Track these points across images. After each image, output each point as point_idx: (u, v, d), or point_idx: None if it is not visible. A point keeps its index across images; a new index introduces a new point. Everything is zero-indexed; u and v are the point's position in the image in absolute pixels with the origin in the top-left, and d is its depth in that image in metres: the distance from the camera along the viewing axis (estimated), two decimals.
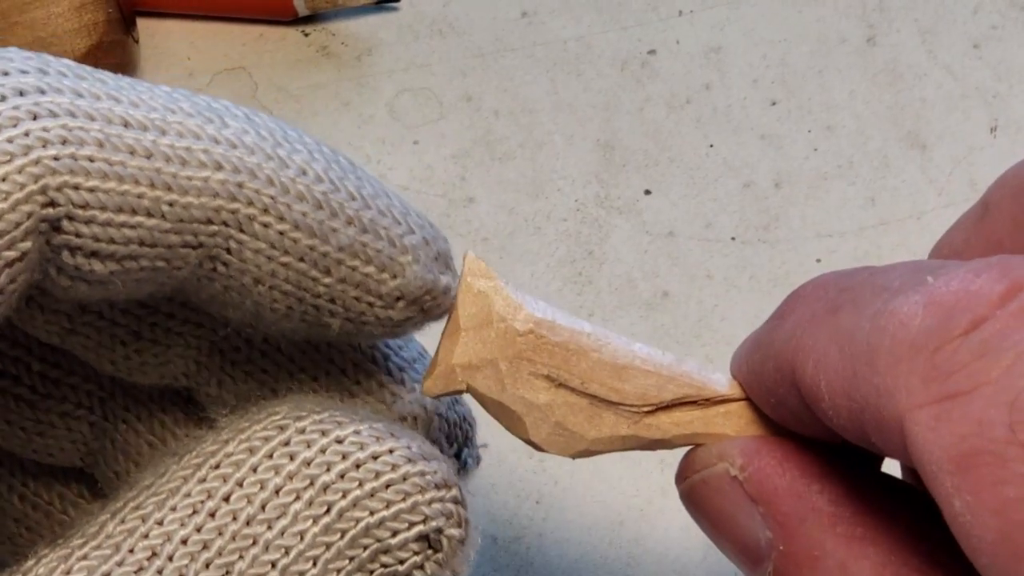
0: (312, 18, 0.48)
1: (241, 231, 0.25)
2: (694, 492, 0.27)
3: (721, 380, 0.27)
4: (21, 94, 0.23)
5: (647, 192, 0.46)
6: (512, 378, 0.27)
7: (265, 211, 0.25)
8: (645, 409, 0.27)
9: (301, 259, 0.25)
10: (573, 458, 0.27)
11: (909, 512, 0.25)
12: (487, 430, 0.41)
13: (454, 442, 0.29)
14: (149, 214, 0.24)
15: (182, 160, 0.24)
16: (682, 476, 0.28)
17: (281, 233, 0.25)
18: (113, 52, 0.44)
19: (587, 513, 0.41)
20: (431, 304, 0.27)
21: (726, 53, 0.48)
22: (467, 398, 0.29)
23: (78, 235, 0.23)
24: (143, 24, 0.48)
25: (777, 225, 0.45)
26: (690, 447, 0.27)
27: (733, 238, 0.45)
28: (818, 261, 0.44)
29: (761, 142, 0.46)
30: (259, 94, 0.47)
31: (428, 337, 0.28)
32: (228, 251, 0.25)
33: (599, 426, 0.27)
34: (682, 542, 0.40)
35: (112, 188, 0.23)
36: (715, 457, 0.27)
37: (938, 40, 0.48)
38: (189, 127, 0.24)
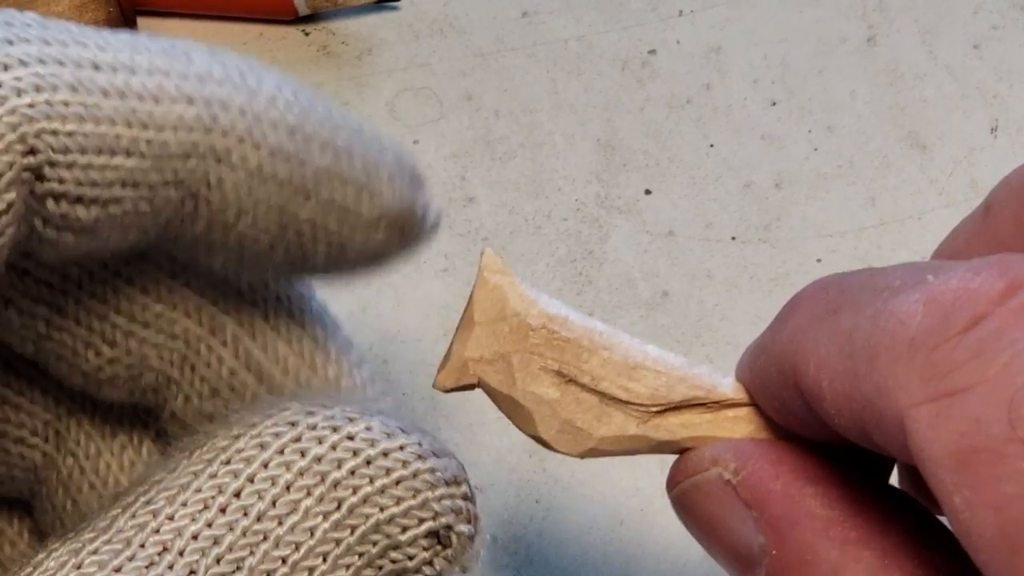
0: (312, 17, 0.48)
1: (219, 162, 0.25)
2: (686, 497, 0.27)
3: (731, 385, 0.27)
4: None
5: (647, 192, 0.46)
6: (523, 373, 0.27)
7: (241, 140, 0.25)
8: (654, 409, 0.27)
9: (280, 185, 0.25)
10: (581, 457, 0.27)
11: (904, 517, 0.25)
12: (486, 429, 0.42)
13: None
14: (128, 153, 0.24)
15: (155, 97, 0.24)
16: (674, 482, 0.27)
17: (259, 161, 0.25)
18: None
19: (587, 513, 0.41)
20: (410, 225, 0.27)
21: (726, 53, 0.48)
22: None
23: (61, 181, 0.23)
24: (144, 23, 0.48)
25: (778, 225, 0.45)
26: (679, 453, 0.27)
27: (733, 238, 0.45)
28: (819, 261, 0.44)
29: (761, 142, 0.46)
30: None
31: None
32: (208, 185, 0.25)
33: (608, 424, 0.27)
34: (682, 542, 0.40)
35: (90, 130, 0.23)
36: (708, 461, 0.27)
37: (938, 40, 0.48)
38: (157, 65, 0.24)
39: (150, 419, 0.30)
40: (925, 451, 0.21)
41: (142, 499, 0.24)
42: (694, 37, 0.48)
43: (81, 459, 0.29)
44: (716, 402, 0.27)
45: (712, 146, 0.46)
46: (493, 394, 0.27)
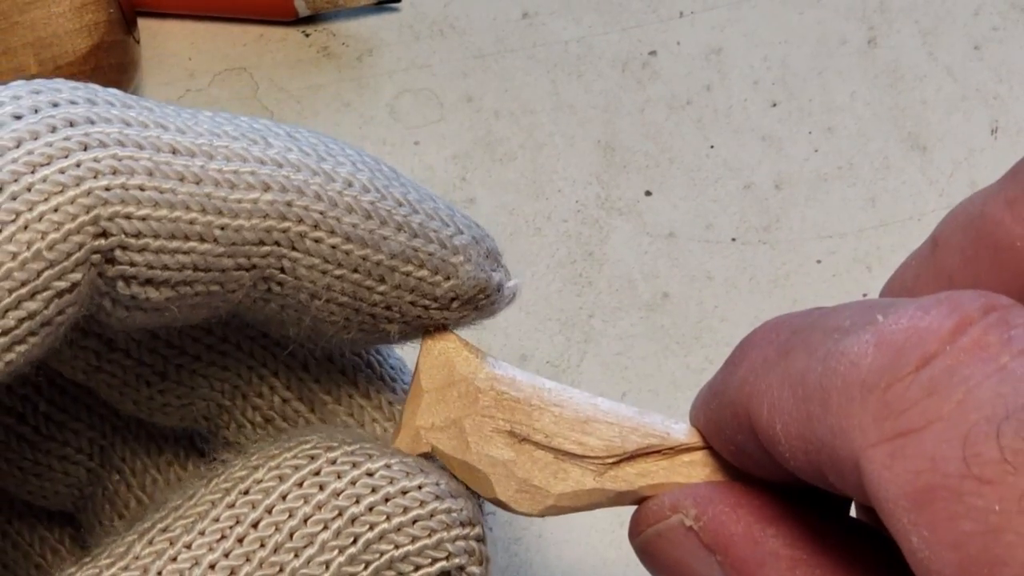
0: (313, 18, 0.48)
1: (293, 249, 0.25)
2: (650, 546, 0.27)
3: (684, 430, 0.27)
4: (71, 124, 0.23)
5: (647, 193, 0.46)
6: (476, 436, 0.27)
7: (316, 227, 0.25)
8: (610, 461, 0.27)
9: (355, 270, 0.25)
10: (542, 516, 0.27)
11: (867, 551, 0.25)
12: None
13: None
14: (201, 239, 0.24)
15: (231, 183, 0.24)
16: (636, 531, 0.27)
17: (333, 247, 0.25)
18: (114, 52, 0.44)
19: (587, 514, 0.41)
20: (485, 302, 0.27)
21: (727, 54, 0.48)
22: None
23: (132, 264, 0.23)
24: (144, 24, 0.48)
25: (778, 226, 0.45)
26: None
27: (733, 239, 0.45)
28: (818, 262, 0.44)
29: (762, 143, 0.46)
30: (260, 94, 0.47)
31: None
32: (282, 270, 0.25)
33: (565, 480, 0.27)
34: None
35: (164, 216, 0.23)
36: (668, 509, 0.26)
37: (939, 41, 0.48)
38: (235, 150, 0.24)
39: (196, 436, 0.30)
40: (881, 492, 0.21)
41: (159, 526, 0.24)
42: (694, 38, 0.48)
43: (127, 475, 0.30)
44: (671, 448, 0.27)
45: (712, 147, 0.46)
46: (447, 460, 0.27)
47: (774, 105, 0.47)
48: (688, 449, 0.27)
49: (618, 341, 0.43)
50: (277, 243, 0.25)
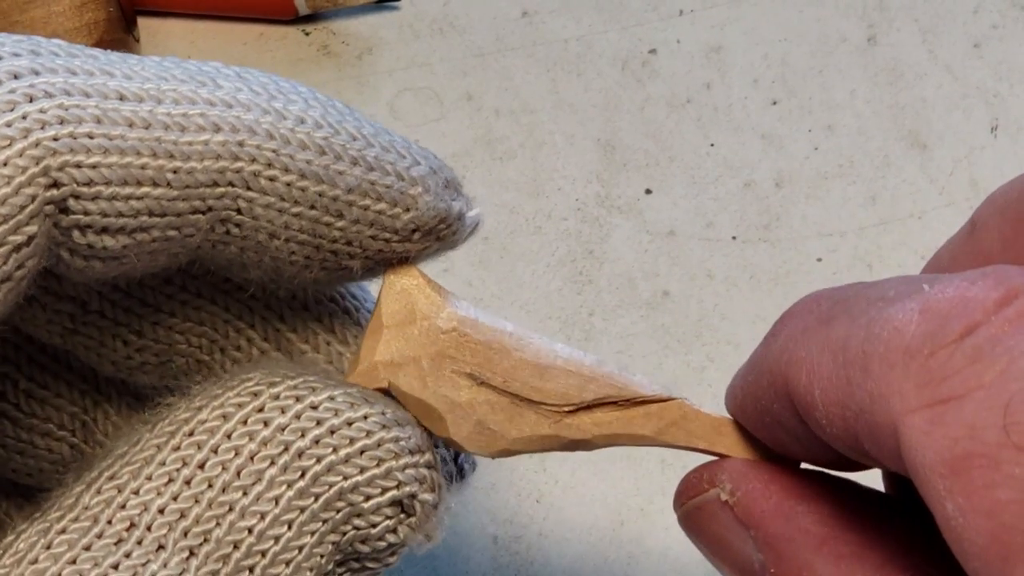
0: (313, 17, 0.48)
1: (248, 189, 0.25)
2: (690, 518, 0.27)
3: (643, 382, 0.27)
4: (16, 77, 0.23)
5: (648, 191, 0.46)
6: (434, 376, 0.27)
7: (269, 165, 0.25)
8: (566, 409, 0.27)
9: (312, 207, 0.25)
10: (493, 457, 0.27)
11: (897, 527, 0.25)
12: None
13: (450, 447, 0.30)
14: (154, 183, 0.24)
15: (180, 127, 0.24)
16: (678, 502, 0.28)
17: (288, 184, 0.25)
18: (114, 51, 0.44)
19: (587, 513, 0.41)
20: (447, 231, 0.27)
21: (727, 52, 0.48)
22: None
23: (86, 213, 0.23)
24: (144, 23, 0.48)
25: (778, 224, 0.45)
26: (688, 472, 0.28)
27: (734, 237, 0.45)
28: (819, 260, 0.44)
29: (762, 141, 0.46)
30: None
31: None
32: (238, 211, 0.25)
33: (520, 425, 0.27)
34: (682, 542, 0.40)
35: (114, 162, 0.23)
36: (707, 483, 0.27)
37: (939, 40, 0.48)
38: (183, 93, 0.24)
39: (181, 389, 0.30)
40: (918, 458, 0.21)
41: (106, 474, 0.24)
42: (694, 37, 0.48)
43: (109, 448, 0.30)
44: (627, 400, 0.27)
45: (712, 145, 0.46)
46: (404, 397, 0.27)
47: (774, 103, 0.47)
48: (644, 402, 0.27)
49: (618, 339, 0.43)
50: (231, 184, 0.24)
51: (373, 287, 0.30)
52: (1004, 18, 0.48)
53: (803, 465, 0.27)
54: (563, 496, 0.41)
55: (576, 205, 0.45)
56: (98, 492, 0.24)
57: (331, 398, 0.25)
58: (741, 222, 0.45)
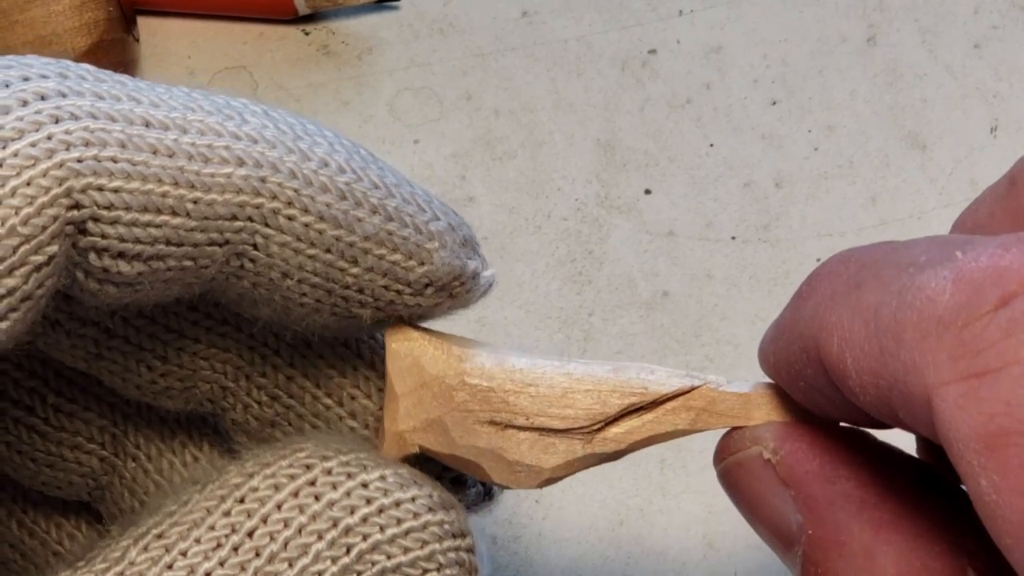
0: (312, 17, 0.48)
1: (266, 225, 0.25)
2: (730, 474, 0.27)
3: (663, 378, 0.27)
4: (43, 98, 0.23)
5: (647, 192, 0.46)
6: (460, 430, 0.27)
7: (289, 204, 0.25)
8: (595, 427, 0.27)
9: (328, 250, 0.25)
10: (540, 487, 0.27)
11: (934, 496, 0.25)
12: None
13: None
14: (174, 212, 0.24)
15: (204, 157, 0.24)
16: (719, 458, 0.28)
17: (306, 225, 0.25)
18: (114, 51, 0.44)
19: (587, 513, 0.41)
20: (460, 290, 0.27)
21: (726, 53, 0.48)
22: None
23: (104, 236, 0.23)
24: (144, 22, 0.48)
25: (777, 225, 0.45)
26: (728, 429, 0.27)
27: (733, 238, 0.45)
28: (818, 260, 0.44)
29: (761, 142, 0.46)
30: (260, 93, 0.47)
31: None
32: (254, 246, 0.25)
33: (555, 454, 0.27)
34: (682, 542, 0.40)
35: (136, 188, 0.23)
36: (749, 440, 0.27)
37: (938, 40, 0.48)
38: (209, 124, 0.24)
39: (209, 416, 0.30)
40: (952, 432, 0.21)
41: (154, 531, 0.24)
42: (694, 37, 0.48)
43: (143, 461, 0.30)
44: (652, 401, 0.27)
45: (712, 146, 0.46)
46: (438, 456, 0.27)
47: (774, 103, 0.47)
48: (669, 398, 0.27)
49: (618, 339, 0.43)
50: (250, 219, 0.24)
51: None
52: (1004, 18, 0.48)
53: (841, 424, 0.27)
54: (562, 496, 0.41)
55: (576, 205, 0.45)
56: (145, 549, 0.24)
57: (382, 477, 0.25)
58: (741, 222, 0.45)
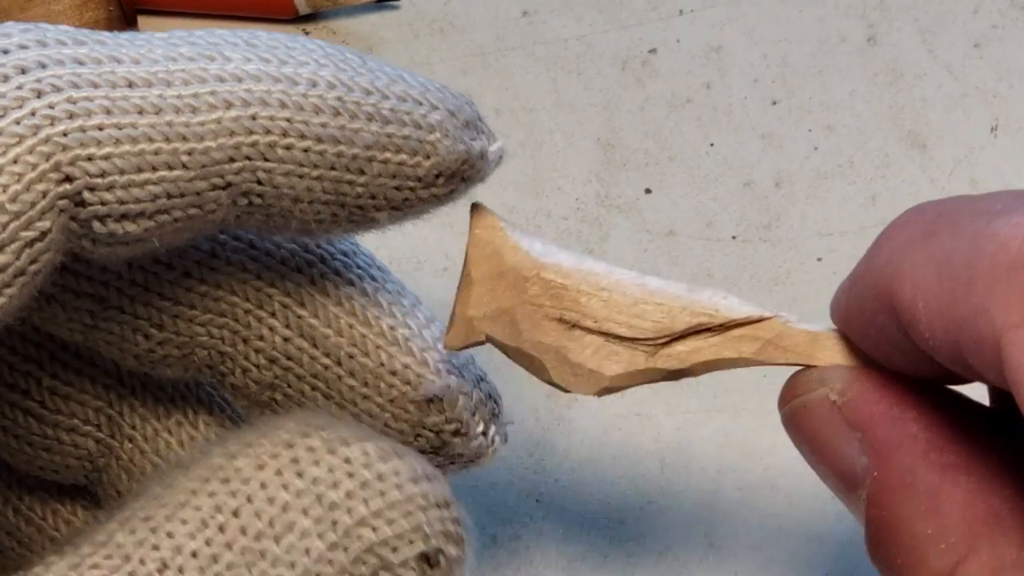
0: (313, 16, 0.48)
1: (266, 160, 0.25)
2: (795, 416, 0.27)
3: (735, 304, 0.27)
4: (23, 72, 0.23)
5: (647, 191, 0.46)
6: (528, 324, 0.27)
7: (284, 134, 0.25)
8: (660, 341, 0.27)
9: (332, 168, 0.25)
10: (599, 395, 0.28)
11: (1001, 443, 0.25)
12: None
13: (481, 420, 0.30)
14: (169, 167, 0.24)
15: (191, 108, 0.24)
16: (784, 400, 0.28)
17: (305, 150, 0.25)
18: None
19: (587, 512, 0.41)
20: (470, 172, 0.27)
21: (727, 52, 0.48)
22: (491, 371, 0.30)
23: (103, 203, 0.24)
24: (144, 22, 0.48)
25: (778, 224, 0.45)
26: (797, 368, 0.27)
27: (734, 237, 0.45)
28: (819, 260, 0.44)
29: (762, 141, 0.46)
30: None
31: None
32: (258, 182, 0.25)
33: (618, 362, 0.27)
34: (682, 542, 0.40)
35: (126, 151, 0.23)
36: (816, 383, 0.27)
37: (939, 40, 0.48)
38: (192, 72, 0.24)
39: (203, 393, 0.30)
40: (1020, 373, 0.21)
41: (140, 514, 0.24)
42: (694, 36, 0.48)
43: (139, 441, 0.30)
44: (720, 325, 0.27)
45: (712, 145, 0.46)
46: (503, 347, 0.27)
47: (774, 103, 0.47)
48: (738, 324, 0.27)
49: None
50: (248, 157, 0.25)
51: (396, 269, 0.30)
52: (1004, 18, 0.48)
53: None
54: (562, 496, 0.41)
55: (576, 205, 0.45)
56: (131, 531, 0.24)
57: (364, 452, 0.25)
58: (741, 222, 0.45)
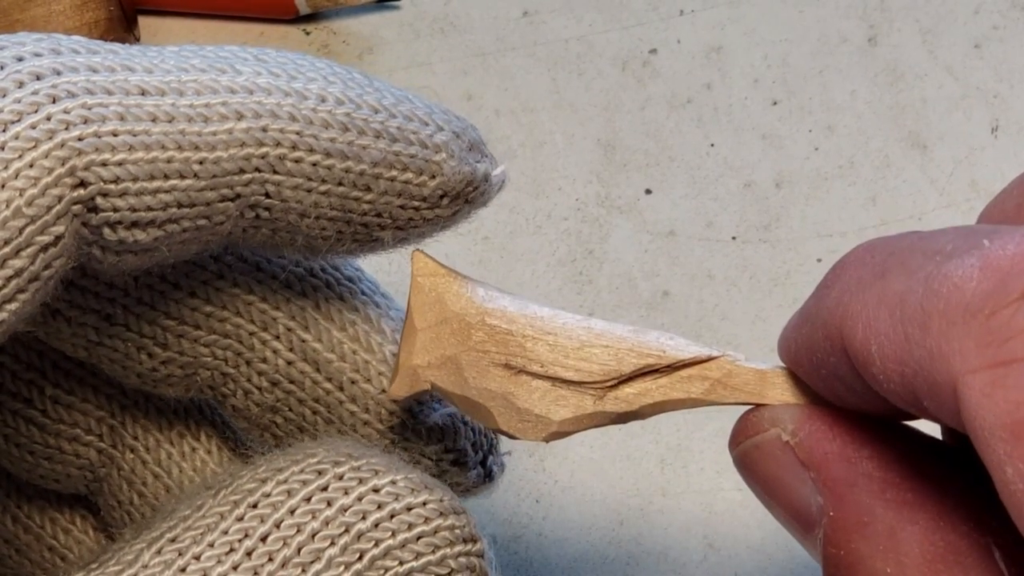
0: (313, 16, 0.48)
1: (275, 172, 0.25)
2: (747, 457, 0.27)
3: (683, 344, 0.27)
4: (38, 78, 0.23)
5: (648, 191, 0.46)
6: (473, 371, 0.27)
7: (294, 147, 0.25)
8: (608, 384, 0.27)
9: (339, 183, 0.26)
10: (546, 441, 0.27)
11: (957, 478, 0.25)
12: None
13: (479, 450, 0.30)
14: (181, 176, 0.24)
15: (203, 117, 0.24)
16: (735, 441, 0.27)
17: (314, 164, 0.25)
18: None
19: (587, 513, 0.41)
20: (474, 193, 0.27)
21: (727, 53, 0.48)
22: None
23: (115, 209, 0.24)
24: (144, 22, 0.48)
25: (778, 225, 0.45)
26: (748, 407, 0.27)
27: (734, 238, 0.45)
28: (819, 261, 0.44)
29: (762, 142, 0.46)
30: None
31: None
32: (267, 195, 0.25)
33: (565, 406, 0.27)
34: (682, 542, 0.40)
35: (140, 158, 0.24)
36: (767, 422, 0.26)
37: (939, 40, 0.48)
38: (204, 83, 0.25)
39: (205, 406, 0.30)
40: (978, 420, 0.20)
41: (167, 535, 0.24)
42: (695, 37, 0.48)
43: (141, 452, 0.30)
44: (668, 365, 0.27)
45: (712, 146, 0.46)
46: (448, 396, 0.27)
47: (774, 103, 0.47)
48: (685, 365, 0.27)
49: None
50: (257, 169, 0.25)
51: (399, 297, 0.30)
52: (1004, 18, 0.48)
53: None
54: (562, 496, 0.41)
55: (576, 205, 0.45)
56: (159, 552, 0.24)
57: (393, 482, 0.25)
58: (741, 222, 0.45)
